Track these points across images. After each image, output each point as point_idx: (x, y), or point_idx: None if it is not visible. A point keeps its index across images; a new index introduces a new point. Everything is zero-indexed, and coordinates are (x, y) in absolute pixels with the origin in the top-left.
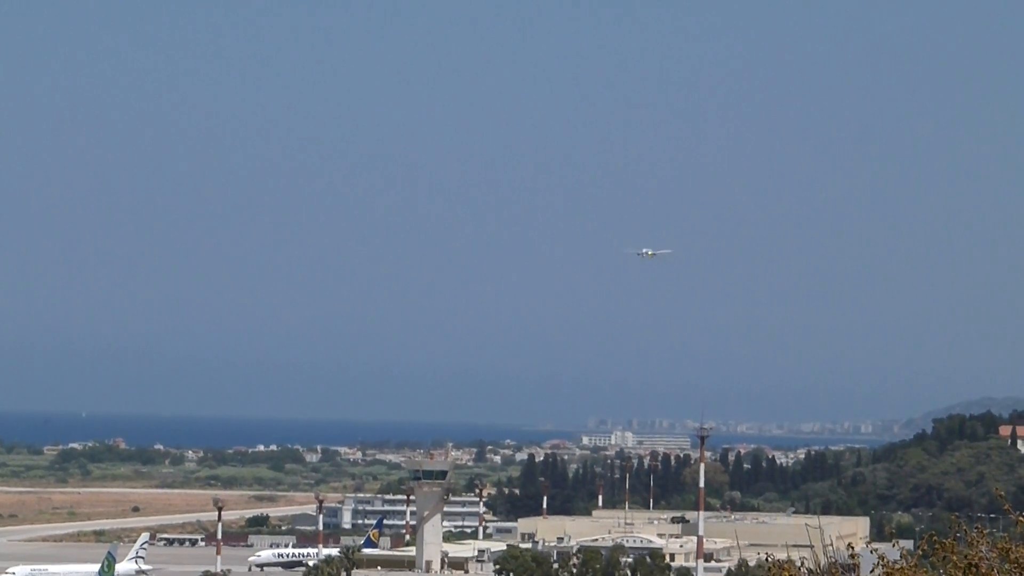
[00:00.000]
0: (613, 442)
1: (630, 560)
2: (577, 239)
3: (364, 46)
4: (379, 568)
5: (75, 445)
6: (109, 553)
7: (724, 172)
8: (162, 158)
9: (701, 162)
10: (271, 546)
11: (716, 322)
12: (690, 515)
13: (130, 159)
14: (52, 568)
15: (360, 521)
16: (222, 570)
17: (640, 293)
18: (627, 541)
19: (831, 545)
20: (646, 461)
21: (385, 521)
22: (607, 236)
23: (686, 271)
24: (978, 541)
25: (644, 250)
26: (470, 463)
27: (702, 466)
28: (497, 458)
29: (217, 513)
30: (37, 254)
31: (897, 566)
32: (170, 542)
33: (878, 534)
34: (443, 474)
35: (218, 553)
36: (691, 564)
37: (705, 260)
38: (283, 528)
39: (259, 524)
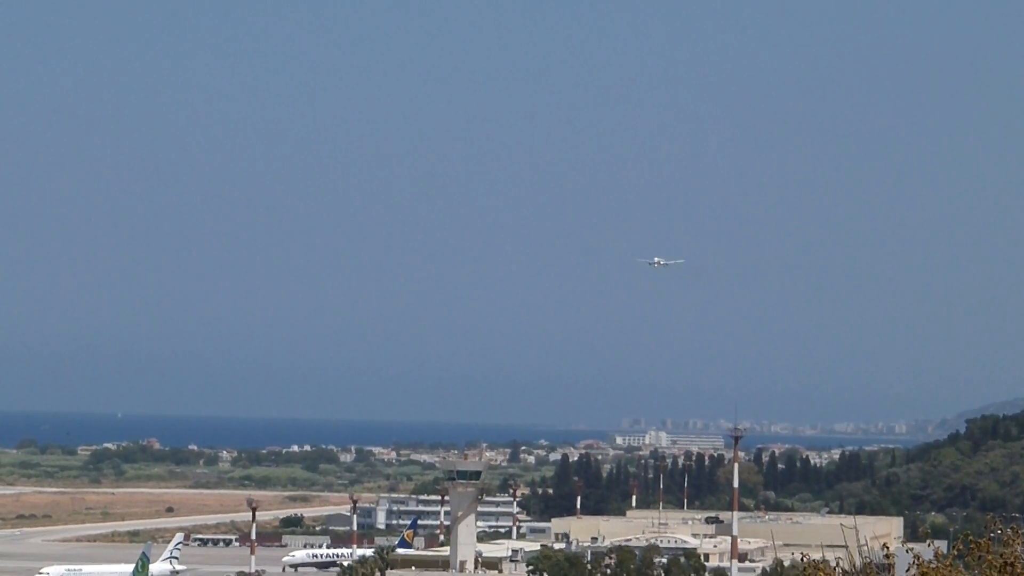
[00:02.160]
0: (647, 442)
1: (664, 560)
2: (606, 241)
3: (371, 45)
4: (413, 568)
5: (109, 445)
6: (143, 554)
7: (746, 174)
8: (184, 161)
9: (722, 164)
10: (305, 546)
11: (750, 323)
12: (724, 515)
13: (153, 161)
14: (86, 568)
15: (394, 521)
16: (256, 570)
17: (674, 295)
18: (661, 541)
19: (865, 545)
20: (680, 461)
21: (419, 521)
22: (634, 239)
23: (718, 272)
24: (1013, 541)
25: (655, 259)
26: (504, 463)
27: (736, 466)
28: (531, 458)
29: (251, 513)
30: (76, 257)
31: (932, 566)
32: (204, 542)
33: (912, 534)
34: (477, 474)
35: (252, 553)
36: (725, 564)
37: (737, 261)
38: (317, 528)
39: (293, 524)
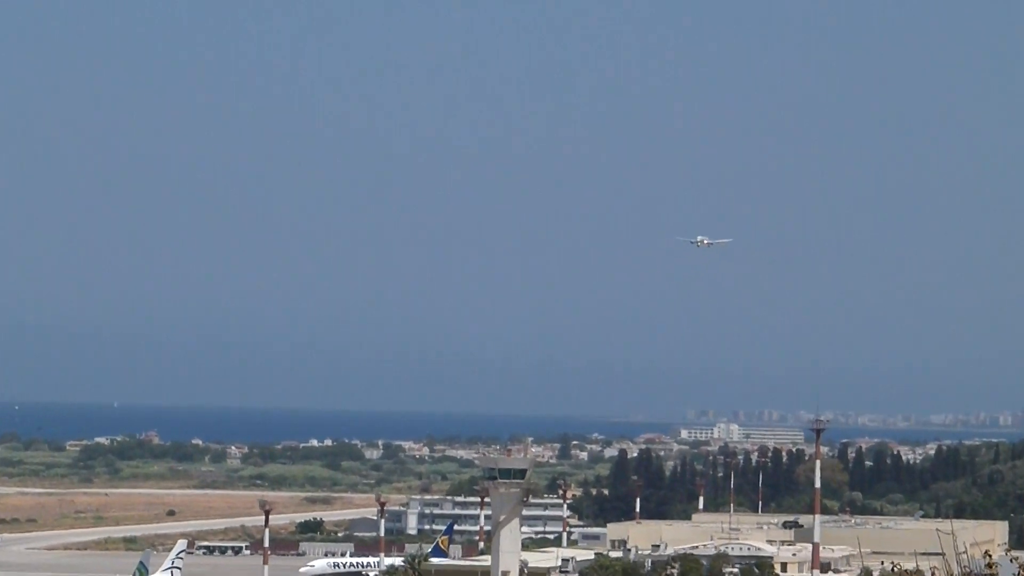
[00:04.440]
0: (716, 436)
1: (735, 570)
2: (660, 220)
3: (398, 21)
4: None
5: (102, 440)
6: (141, 563)
7: (807, 142)
8: (188, 140)
9: (779, 134)
10: (326, 555)
11: (832, 302)
12: (804, 519)
13: (155, 141)
14: None
15: (427, 526)
16: None
17: (741, 275)
18: (731, 549)
19: (965, 553)
20: (754, 457)
21: (456, 526)
22: (688, 217)
23: (797, 249)
24: None
25: (699, 238)
26: (552, 460)
27: (818, 463)
28: (583, 454)
29: (264, 517)
30: (66, 239)
31: None
32: (211, 550)
33: (1018, 540)
34: (522, 473)
35: (265, 563)
36: (805, 574)
37: (819, 237)
38: (339, 534)
39: (312, 530)
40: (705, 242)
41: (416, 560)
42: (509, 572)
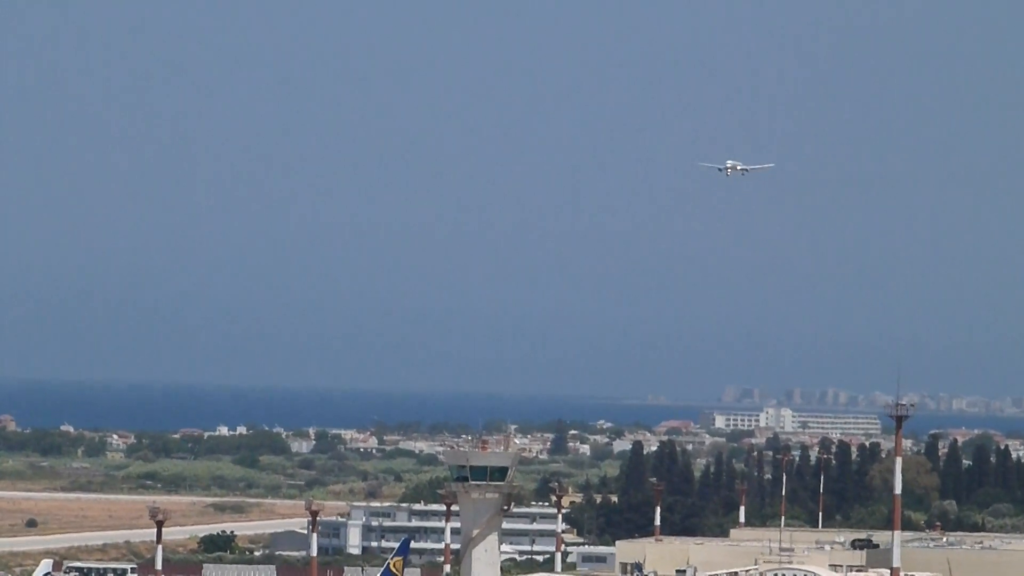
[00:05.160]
0: (763, 424)
1: None
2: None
3: None
4: None
5: None
6: None
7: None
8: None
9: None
10: None
11: (921, 251)
12: (880, 536)
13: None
14: None
15: (374, 543)
16: None
17: (800, 212)
18: (783, 575)
19: None
20: (813, 453)
21: (413, 544)
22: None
23: (870, 182)
24: None
25: (729, 163)
26: (543, 455)
27: (898, 461)
28: (584, 448)
29: (156, 530)
30: None
31: None
32: (85, 573)
33: None
34: (501, 472)
35: None
36: None
37: (899, 168)
38: (257, 553)
39: (220, 547)
40: (738, 168)
41: None
42: None
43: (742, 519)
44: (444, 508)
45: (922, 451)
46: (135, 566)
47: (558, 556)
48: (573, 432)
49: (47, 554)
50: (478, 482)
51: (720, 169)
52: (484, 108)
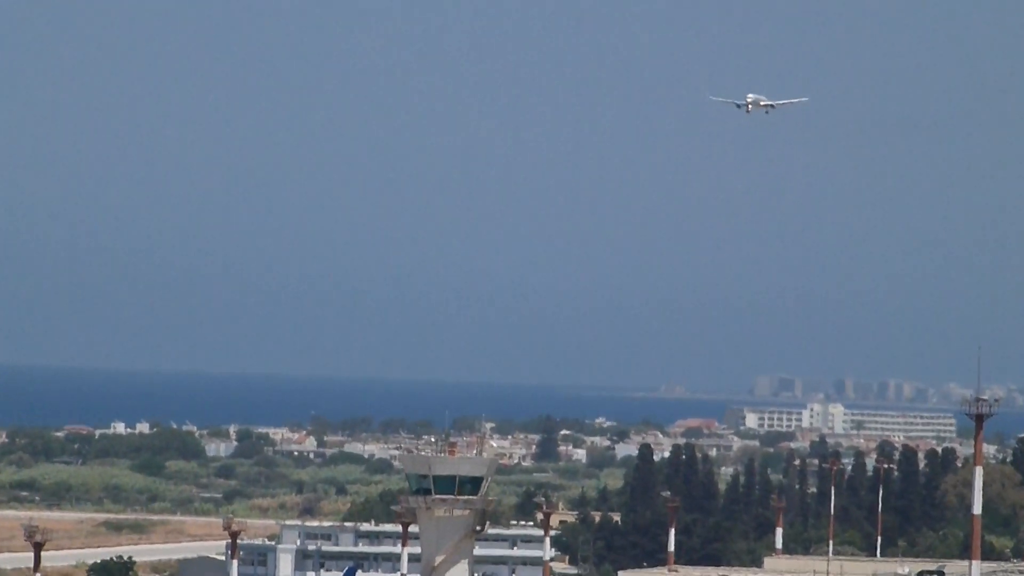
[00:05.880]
0: (806, 424)
1: None
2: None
3: None
4: None
5: None
6: None
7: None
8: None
9: None
10: None
11: (998, 214)
12: (954, 568)
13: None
14: None
15: (311, 573)
16: None
17: (851, 161)
18: None
19: None
20: (870, 461)
21: (361, 574)
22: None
23: (936, 123)
24: None
25: (750, 97)
26: (527, 461)
27: (978, 472)
28: (579, 453)
29: (34, 554)
30: None
31: None
32: None
33: None
34: (473, 483)
35: None
36: None
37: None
38: None
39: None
40: (761, 104)
41: None
42: None
43: (779, 544)
44: (400, 529)
45: (1010, 459)
46: None
47: None
48: (565, 433)
49: None
50: (444, 496)
51: (739, 105)
52: (469, 79)
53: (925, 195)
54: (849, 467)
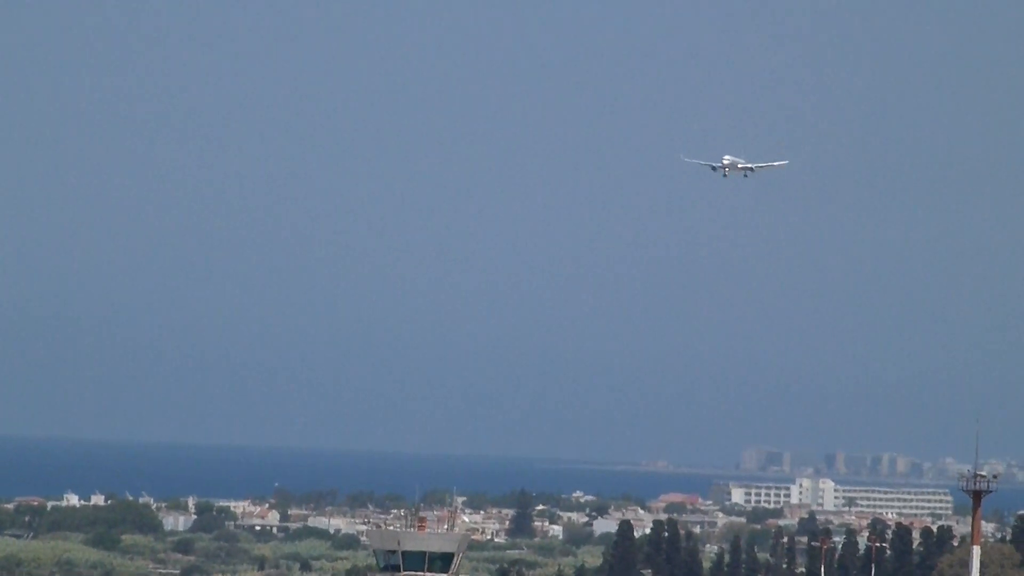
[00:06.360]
0: (794, 500)
1: None
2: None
3: None
4: None
5: None
6: None
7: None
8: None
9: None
10: None
11: (996, 277)
12: None
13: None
14: None
15: None
16: None
17: (842, 228)
18: None
19: None
20: (862, 539)
21: None
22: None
23: (901, 176)
24: None
25: (726, 160)
26: (500, 537)
27: (976, 552)
28: (556, 528)
29: None
30: None
31: None
32: None
33: None
34: (444, 560)
35: None
36: None
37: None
38: None
39: None
40: (739, 167)
41: None
42: None
43: None
44: None
45: (1009, 537)
46: None
47: None
48: (541, 507)
49: None
50: (413, 573)
51: (715, 168)
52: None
53: (917, 265)
54: (840, 545)
